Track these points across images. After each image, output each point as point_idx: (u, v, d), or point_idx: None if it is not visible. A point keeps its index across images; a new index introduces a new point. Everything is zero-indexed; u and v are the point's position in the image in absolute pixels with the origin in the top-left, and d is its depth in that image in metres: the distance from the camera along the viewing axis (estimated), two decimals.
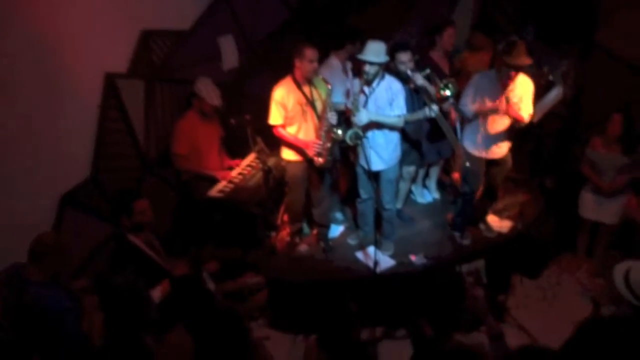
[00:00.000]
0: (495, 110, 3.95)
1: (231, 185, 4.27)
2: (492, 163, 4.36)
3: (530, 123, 4.74)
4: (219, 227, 4.20)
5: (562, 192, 5.06)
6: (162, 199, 4.43)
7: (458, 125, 4.08)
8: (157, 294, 3.04)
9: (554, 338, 3.08)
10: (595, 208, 4.51)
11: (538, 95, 4.76)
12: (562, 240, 5.05)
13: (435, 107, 3.86)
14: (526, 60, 3.82)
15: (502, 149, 4.25)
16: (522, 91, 4.01)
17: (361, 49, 3.84)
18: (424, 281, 4.17)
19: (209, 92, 4.10)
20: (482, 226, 4.64)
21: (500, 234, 4.62)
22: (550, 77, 4.73)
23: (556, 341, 2.80)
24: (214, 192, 4.21)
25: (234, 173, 4.40)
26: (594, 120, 4.54)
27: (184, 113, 4.26)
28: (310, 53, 3.80)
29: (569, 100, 5.12)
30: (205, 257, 3.43)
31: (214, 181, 4.30)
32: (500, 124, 4.11)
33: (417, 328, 2.73)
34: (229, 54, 4.77)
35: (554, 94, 4.79)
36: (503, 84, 3.90)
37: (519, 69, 3.83)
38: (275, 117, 3.97)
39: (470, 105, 4.03)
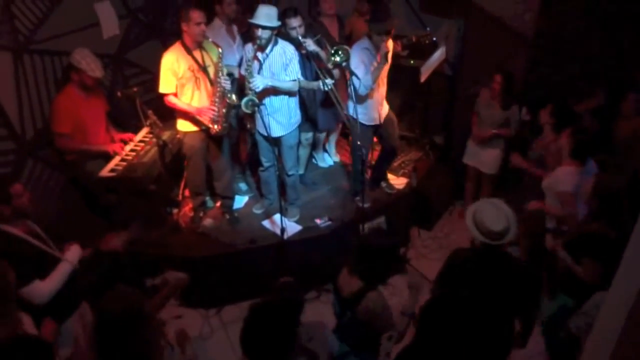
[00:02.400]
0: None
1: (123, 164, 4.00)
2: (379, 125, 4.45)
3: (419, 83, 4.98)
4: (115, 209, 3.96)
5: (451, 148, 5.43)
6: (47, 183, 4.06)
7: (352, 92, 4.06)
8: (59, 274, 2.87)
9: None
10: (474, 154, 4.87)
11: (423, 56, 5.02)
12: (452, 192, 5.46)
13: (328, 81, 3.87)
14: (391, 26, 4.02)
15: (386, 109, 4.43)
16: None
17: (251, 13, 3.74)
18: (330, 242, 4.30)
19: (88, 63, 3.75)
20: (383, 184, 4.84)
21: (397, 191, 4.85)
22: (434, 38, 4.96)
23: None
24: (105, 172, 3.91)
25: (127, 148, 4.12)
26: (476, 77, 4.86)
27: (63, 88, 3.89)
28: (197, 15, 3.65)
29: (452, 59, 5.44)
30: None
31: (103, 160, 4.00)
32: (382, 88, 4.27)
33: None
34: (108, 20, 4.39)
35: (438, 54, 5.04)
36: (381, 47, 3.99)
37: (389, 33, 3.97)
38: (165, 85, 3.78)
39: (369, 75, 4.04)
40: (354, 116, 3.94)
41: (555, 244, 3.35)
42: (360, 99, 4.10)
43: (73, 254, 2.98)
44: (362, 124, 4.14)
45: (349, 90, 4.00)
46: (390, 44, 4.18)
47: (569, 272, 3.17)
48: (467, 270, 2.76)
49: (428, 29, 4.95)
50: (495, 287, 2.68)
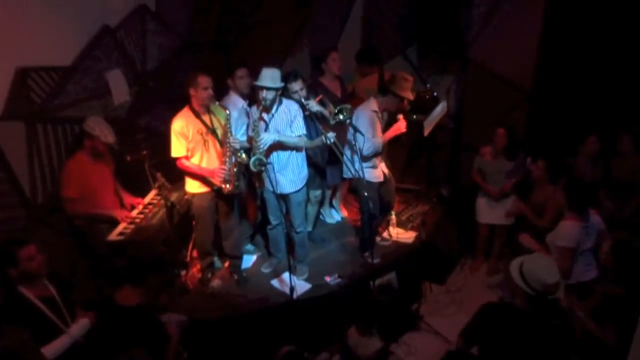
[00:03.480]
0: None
1: (132, 226, 4.01)
2: (382, 182, 4.47)
3: (423, 137, 5.06)
4: (124, 273, 3.92)
5: (458, 199, 5.42)
6: (56, 248, 4.05)
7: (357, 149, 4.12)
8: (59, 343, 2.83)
9: None
10: (489, 212, 4.90)
11: (425, 111, 5.12)
12: (463, 245, 5.39)
13: (330, 135, 3.94)
14: (410, 95, 4.13)
15: (384, 167, 4.46)
16: None
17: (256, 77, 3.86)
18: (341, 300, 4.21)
19: (102, 130, 3.85)
20: (377, 239, 4.79)
21: (404, 244, 4.81)
22: (435, 93, 5.08)
23: None
24: (114, 235, 3.93)
25: (134, 213, 4.15)
26: (477, 130, 4.93)
27: (73, 154, 3.98)
28: (204, 80, 3.77)
29: (453, 113, 5.54)
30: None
31: (111, 224, 4.02)
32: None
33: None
34: (119, 88, 4.55)
35: (440, 109, 5.15)
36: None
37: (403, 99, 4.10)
38: (177, 149, 3.85)
39: (377, 138, 4.14)
40: (359, 171, 3.97)
41: (570, 302, 3.26)
42: (365, 157, 4.16)
43: (79, 328, 2.94)
44: (367, 180, 4.16)
45: (350, 145, 4.05)
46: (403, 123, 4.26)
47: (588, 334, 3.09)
48: (511, 326, 2.66)
49: (428, 85, 5.09)
50: (542, 342, 2.58)
